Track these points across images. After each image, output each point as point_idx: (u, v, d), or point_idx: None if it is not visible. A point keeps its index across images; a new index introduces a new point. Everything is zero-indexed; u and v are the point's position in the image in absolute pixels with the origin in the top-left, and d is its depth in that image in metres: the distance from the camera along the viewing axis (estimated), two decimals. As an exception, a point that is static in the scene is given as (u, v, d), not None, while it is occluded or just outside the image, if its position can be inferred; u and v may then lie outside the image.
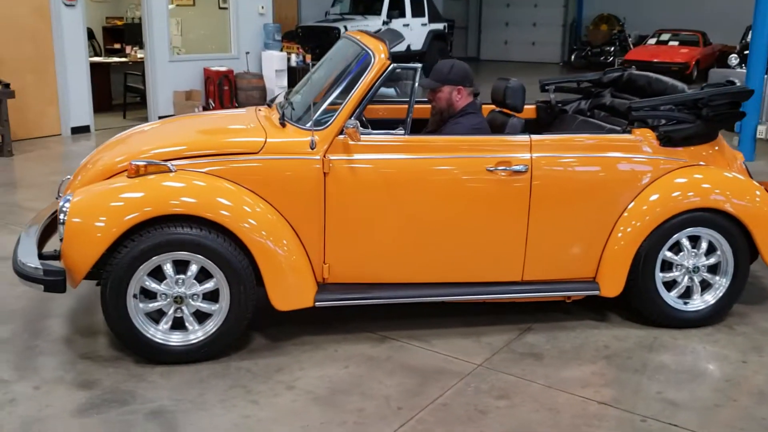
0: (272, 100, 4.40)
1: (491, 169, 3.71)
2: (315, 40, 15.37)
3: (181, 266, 3.49)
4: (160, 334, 3.54)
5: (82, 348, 3.72)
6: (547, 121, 4.90)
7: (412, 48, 16.71)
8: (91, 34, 13.38)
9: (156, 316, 3.55)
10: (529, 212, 3.80)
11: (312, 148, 3.61)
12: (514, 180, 3.74)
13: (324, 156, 3.61)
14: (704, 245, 4.00)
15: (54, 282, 3.39)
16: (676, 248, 3.99)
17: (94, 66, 11.25)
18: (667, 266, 4.02)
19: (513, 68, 20.55)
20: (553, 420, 3.16)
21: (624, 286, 3.93)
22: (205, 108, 11.11)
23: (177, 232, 3.41)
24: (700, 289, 4.07)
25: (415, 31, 16.63)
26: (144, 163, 3.54)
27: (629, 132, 3.93)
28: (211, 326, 3.57)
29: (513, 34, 24.04)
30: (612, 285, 3.91)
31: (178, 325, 3.55)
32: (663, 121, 4.00)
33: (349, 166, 3.65)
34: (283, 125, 3.81)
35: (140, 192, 3.44)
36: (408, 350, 3.75)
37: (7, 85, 8.30)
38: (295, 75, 12.26)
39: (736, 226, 3.93)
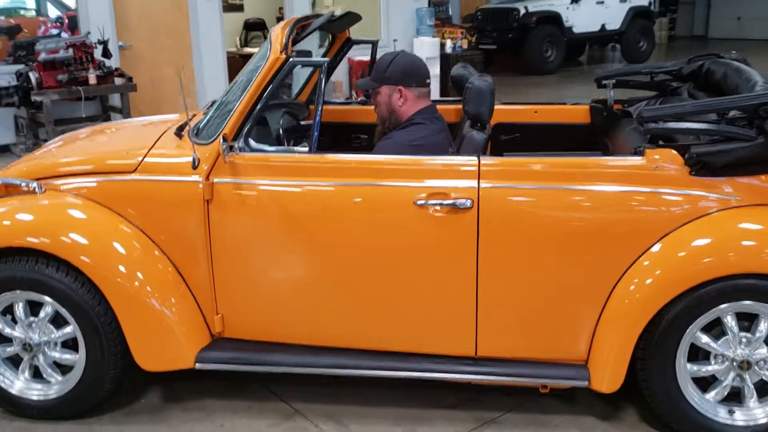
0: (208, 105, 3.65)
1: (421, 203, 2.67)
2: (492, 23, 14.29)
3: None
4: (18, 384, 3.00)
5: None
6: (603, 127, 3.62)
7: (608, 27, 14.91)
8: (262, 25, 13.59)
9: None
10: (478, 264, 2.70)
11: (194, 168, 2.83)
12: (454, 218, 2.66)
13: (206, 178, 2.82)
14: (764, 327, 2.61)
15: None
16: (718, 329, 2.65)
17: (234, 58, 11.31)
18: (702, 354, 2.69)
19: (748, 47, 17.61)
20: None
21: (626, 378, 2.68)
22: (347, 99, 10.62)
23: (21, 269, 2.83)
24: (755, 393, 2.68)
25: (611, 8, 14.78)
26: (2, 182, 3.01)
27: (641, 153, 2.64)
28: (71, 381, 2.95)
29: (748, 9, 20.68)
30: (606, 375, 2.68)
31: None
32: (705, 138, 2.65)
33: (236, 192, 2.82)
34: (179, 137, 3.07)
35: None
36: (311, 436, 2.87)
37: (129, 79, 8.40)
38: (449, 62, 11.33)
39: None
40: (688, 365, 2.68)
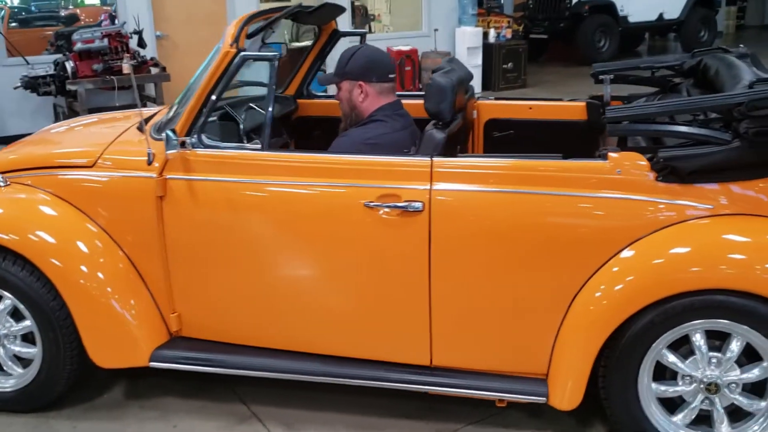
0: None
1: (371, 205, 2.54)
2: (544, 12, 13.90)
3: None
4: (-22, 375, 3.02)
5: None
6: (599, 124, 3.41)
7: (666, 17, 14.32)
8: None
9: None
10: (431, 270, 2.56)
11: (149, 164, 2.78)
12: (405, 222, 2.53)
13: (160, 174, 2.77)
14: (735, 347, 2.40)
15: None
16: (687, 348, 2.46)
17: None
18: (669, 374, 2.49)
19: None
20: None
21: (594, 394, 2.51)
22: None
23: (-25, 262, 2.85)
24: (725, 417, 2.47)
25: (670, -5, 14.19)
26: (-34, 174, 3.02)
27: (604, 157, 2.45)
28: (29, 375, 2.95)
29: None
30: (566, 392, 2.51)
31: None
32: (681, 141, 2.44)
33: (188, 189, 2.75)
34: (140, 131, 3.03)
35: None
36: (261, 441, 2.79)
37: (163, 69, 8.47)
38: (491, 53, 11.08)
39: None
40: (654, 384, 2.49)
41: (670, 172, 2.37)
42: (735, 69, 2.67)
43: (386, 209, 2.53)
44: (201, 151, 2.74)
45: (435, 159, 2.54)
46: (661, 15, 14.22)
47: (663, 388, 2.49)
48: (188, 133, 2.73)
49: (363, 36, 3.68)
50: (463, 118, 3.03)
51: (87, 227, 2.87)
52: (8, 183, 3.00)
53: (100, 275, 2.82)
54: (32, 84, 7.89)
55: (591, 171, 2.43)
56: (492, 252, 2.50)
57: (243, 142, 2.86)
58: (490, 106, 3.63)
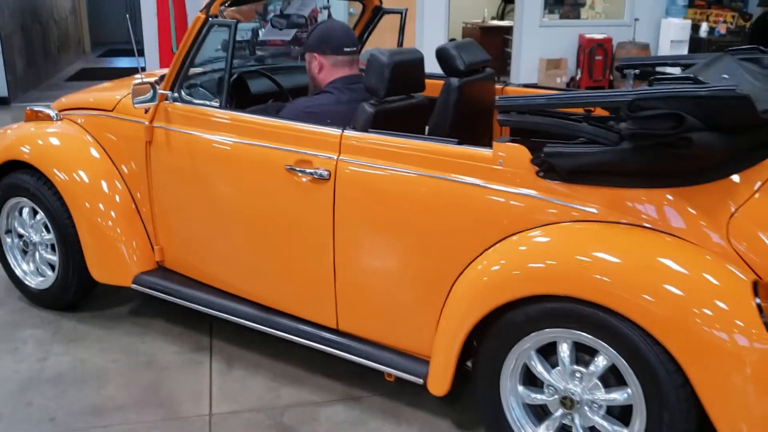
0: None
1: (291, 168, 2.72)
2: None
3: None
4: (20, 271, 3.67)
5: None
6: (621, 119, 3.21)
7: None
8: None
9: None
10: (335, 236, 2.68)
11: (145, 113, 3.20)
12: (316, 188, 2.68)
13: (150, 122, 3.17)
14: (600, 364, 2.23)
15: None
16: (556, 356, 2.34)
17: (485, 29, 11.38)
18: (538, 380, 2.39)
19: None
20: None
21: (453, 384, 2.49)
22: (572, 80, 10.17)
23: (14, 180, 3.49)
24: (585, 438, 2.31)
25: None
26: (32, 109, 3.68)
27: (490, 146, 2.38)
28: (51, 279, 3.56)
29: None
30: (438, 376, 2.51)
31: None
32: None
33: (166, 137, 3.13)
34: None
35: (9, 137, 3.57)
36: (196, 365, 3.11)
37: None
38: (699, 47, 10.18)
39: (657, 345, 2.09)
40: (521, 388, 2.40)
41: (549, 168, 2.25)
42: (733, 71, 2.44)
43: (299, 173, 2.69)
44: (178, 104, 3.09)
45: (345, 132, 2.64)
46: None
47: (529, 394, 2.39)
48: (171, 89, 3.09)
49: (403, 13, 3.78)
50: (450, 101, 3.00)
51: (101, 160, 3.38)
52: (61, 118, 3.61)
53: (103, 203, 3.31)
54: (226, 48, 8.86)
55: (476, 159, 2.38)
56: (385, 225, 2.56)
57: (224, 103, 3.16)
58: (515, 92, 3.55)
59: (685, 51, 10.16)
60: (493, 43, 11.74)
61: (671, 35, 10.06)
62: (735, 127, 2.09)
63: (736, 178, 2.20)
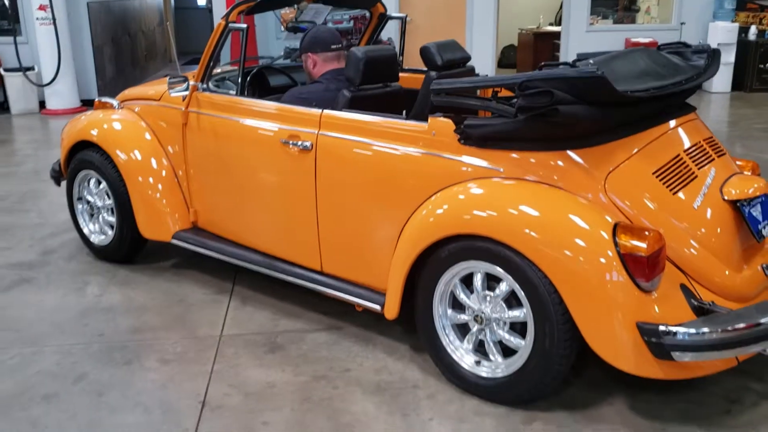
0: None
1: (284, 141, 3.46)
2: None
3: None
4: (87, 230, 4.55)
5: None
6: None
7: None
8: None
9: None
10: (317, 196, 3.39)
11: (182, 100, 4.01)
12: (303, 157, 3.40)
13: (186, 108, 3.98)
14: (502, 289, 2.85)
15: (54, 176, 4.75)
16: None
17: (539, 35, 11.88)
18: (461, 305, 3.02)
19: None
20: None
21: (401, 310, 3.15)
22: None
23: (84, 156, 4.36)
24: (494, 348, 2.93)
25: None
26: (99, 100, 4.56)
27: (426, 120, 3.03)
28: (109, 236, 4.41)
29: None
30: (390, 303, 3.18)
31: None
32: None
33: (197, 120, 3.92)
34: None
35: (82, 122, 4.46)
36: (209, 306, 3.88)
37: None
38: (747, 50, 10.40)
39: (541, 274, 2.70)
40: (450, 311, 3.04)
41: (467, 136, 2.89)
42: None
43: (290, 145, 3.42)
44: (206, 93, 3.87)
45: (324, 112, 3.35)
46: None
47: (455, 315, 3.02)
48: (201, 81, 3.88)
49: (403, 19, 4.47)
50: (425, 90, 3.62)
51: (150, 141, 4.21)
52: (122, 107, 4.47)
53: (149, 173, 4.13)
54: (289, 54, 9.75)
55: (417, 131, 3.04)
56: (352, 184, 3.24)
57: (245, 93, 3.92)
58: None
59: (732, 54, 10.40)
60: (546, 48, 12.23)
61: (719, 38, 10.32)
62: (604, 102, 2.68)
63: (617, 144, 2.80)
